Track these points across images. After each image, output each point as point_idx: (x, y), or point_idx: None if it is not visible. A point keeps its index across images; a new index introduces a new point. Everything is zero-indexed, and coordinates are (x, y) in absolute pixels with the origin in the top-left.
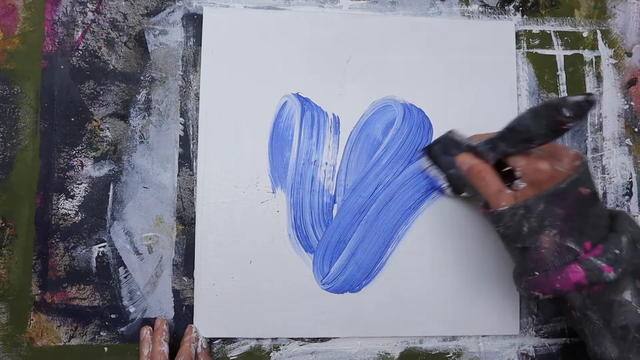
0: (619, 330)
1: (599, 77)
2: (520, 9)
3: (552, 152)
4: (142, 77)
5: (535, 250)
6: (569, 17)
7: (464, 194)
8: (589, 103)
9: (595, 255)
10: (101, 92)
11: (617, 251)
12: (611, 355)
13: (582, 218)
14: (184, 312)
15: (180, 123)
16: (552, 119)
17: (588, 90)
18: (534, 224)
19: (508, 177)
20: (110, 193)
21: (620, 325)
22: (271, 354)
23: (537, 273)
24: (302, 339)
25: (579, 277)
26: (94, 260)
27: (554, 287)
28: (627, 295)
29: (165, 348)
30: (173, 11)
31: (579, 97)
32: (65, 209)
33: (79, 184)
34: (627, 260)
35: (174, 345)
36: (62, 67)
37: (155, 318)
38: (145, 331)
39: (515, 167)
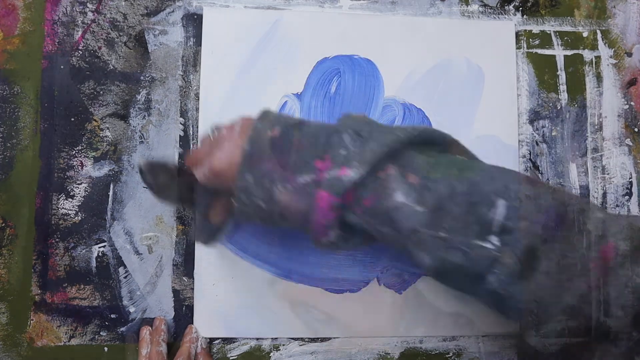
0: (412, 235)
1: (599, 77)
2: (520, 9)
3: (215, 143)
4: (142, 77)
5: (287, 210)
6: (569, 17)
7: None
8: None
9: (327, 169)
10: (101, 92)
11: (342, 151)
12: (427, 262)
13: (296, 148)
14: (184, 312)
15: (180, 123)
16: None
17: (588, 91)
18: (260, 194)
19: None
20: (110, 193)
21: (408, 228)
22: (271, 354)
23: (304, 224)
24: (302, 339)
25: (326, 201)
26: (94, 260)
27: (322, 224)
28: (400, 197)
29: (163, 348)
30: (173, 11)
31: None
32: (65, 209)
33: (79, 184)
34: (358, 152)
35: (174, 345)
36: (62, 67)
37: (155, 318)
38: (145, 331)
39: (211, 183)
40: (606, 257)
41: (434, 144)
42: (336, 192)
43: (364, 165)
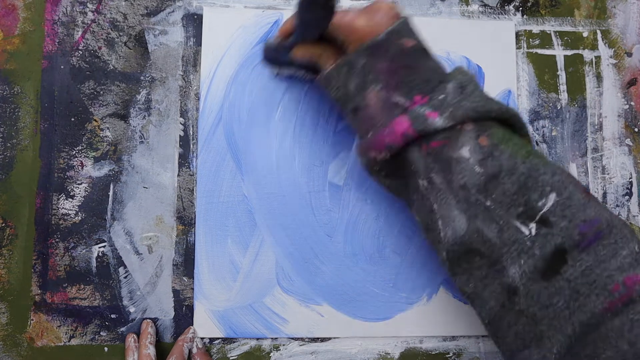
0: (460, 191)
1: (599, 77)
2: (520, 9)
3: (369, 10)
4: (142, 77)
5: (365, 109)
6: (569, 17)
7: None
8: None
9: (421, 104)
10: (101, 92)
11: (441, 96)
12: (461, 226)
13: (410, 71)
14: (184, 312)
15: (180, 123)
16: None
17: (588, 91)
18: (358, 80)
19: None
20: (110, 193)
21: (460, 184)
22: (271, 354)
23: (370, 133)
24: (302, 339)
25: (404, 128)
26: (94, 260)
27: (385, 142)
28: (465, 152)
29: (151, 351)
30: (173, 11)
31: None
32: (65, 209)
33: (79, 184)
34: (454, 104)
35: (170, 345)
36: (62, 67)
37: (154, 318)
38: (130, 339)
39: (335, 34)
40: (629, 287)
41: (513, 129)
42: (416, 127)
43: (452, 118)
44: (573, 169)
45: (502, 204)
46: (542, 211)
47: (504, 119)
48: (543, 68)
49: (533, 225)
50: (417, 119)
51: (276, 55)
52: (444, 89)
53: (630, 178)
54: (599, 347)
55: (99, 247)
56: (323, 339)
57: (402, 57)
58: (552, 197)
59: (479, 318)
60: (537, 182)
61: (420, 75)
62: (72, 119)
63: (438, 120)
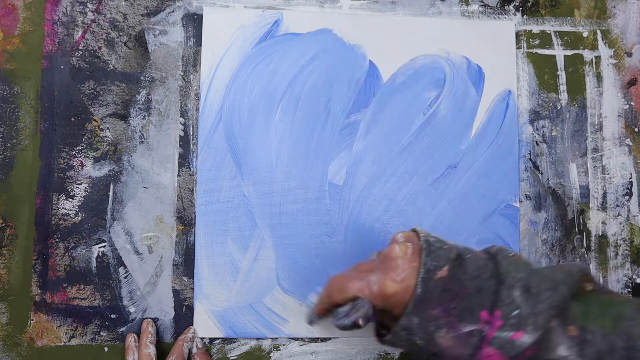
0: None
1: (599, 77)
2: (520, 9)
3: (387, 266)
4: (142, 77)
5: (444, 352)
6: (569, 17)
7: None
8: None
9: (499, 328)
10: (101, 92)
11: (515, 312)
12: None
13: (461, 296)
14: (184, 312)
15: (180, 123)
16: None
17: (588, 91)
18: (421, 335)
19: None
20: (110, 193)
21: None
22: (271, 354)
23: None
24: (302, 339)
25: (496, 359)
26: (94, 260)
27: None
28: (563, 350)
29: (151, 350)
30: (173, 11)
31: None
32: (65, 209)
33: (79, 184)
34: (533, 314)
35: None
36: (62, 67)
37: (154, 318)
38: (130, 339)
39: (374, 304)
40: None
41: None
42: (508, 354)
43: (538, 329)
44: (573, 169)
45: None
46: None
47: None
48: (543, 68)
49: None
50: (505, 347)
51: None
52: (511, 300)
53: (630, 178)
54: None
55: (99, 247)
56: (323, 339)
57: (448, 291)
58: None
59: None
60: (638, 351)
61: (472, 292)
62: (72, 119)
63: (526, 338)
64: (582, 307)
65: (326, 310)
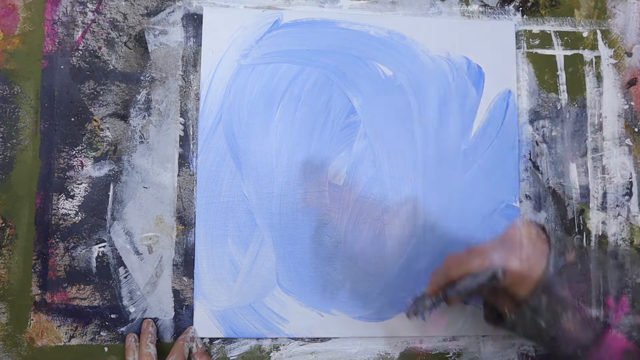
0: None
1: (599, 77)
2: (520, 9)
3: (510, 246)
4: (142, 77)
5: (564, 336)
6: (569, 17)
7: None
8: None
9: (625, 313)
10: (101, 92)
11: None
12: None
13: (588, 280)
14: (184, 312)
15: (180, 123)
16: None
17: (588, 91)
18: (547, 316)
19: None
20: (110, 193)
21: None
22: (271, 354)
23: (579, 353)
24: (302, 339)
25: (622, 344)
26: (94, 260)
27: None
28: None
29: (152, 350)
30: (173, 11)
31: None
32: (65, 209)
33: (79, 184)
34: None
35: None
36: (62, 67)
37: (155, 318)
38: (130, 338)
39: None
40: None
41: None
42: (635, 339)
43: None
44: (573, 169)
45: None
46: None
47: None
48: (543, 68)
49: None
50: (632, 331)
51: (427, 307)
52: (637, 289)
53: (630, 178)
54: None
55: (99, 247)
56: (323, 339)
57: (575, 275)
58: None
59: None
60: None
61: (598, 278)
62: (72, 119)
63: None
64: None
65: (440, 288)
